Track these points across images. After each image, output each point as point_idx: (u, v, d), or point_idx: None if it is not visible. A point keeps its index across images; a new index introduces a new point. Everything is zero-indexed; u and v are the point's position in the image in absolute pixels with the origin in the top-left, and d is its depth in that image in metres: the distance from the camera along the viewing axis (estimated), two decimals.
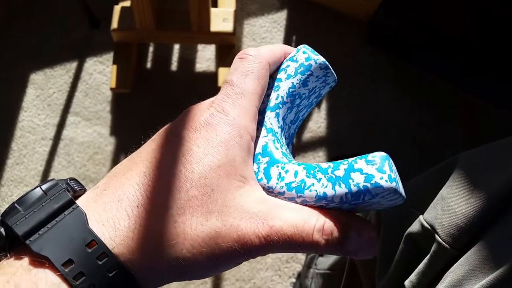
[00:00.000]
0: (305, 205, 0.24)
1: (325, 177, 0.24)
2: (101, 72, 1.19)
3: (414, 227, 0.43)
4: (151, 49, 1.22)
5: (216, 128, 0.24)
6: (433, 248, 0.40)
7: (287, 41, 1.23)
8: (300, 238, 0.23)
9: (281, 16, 1.26)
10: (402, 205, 0.50)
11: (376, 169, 0.23)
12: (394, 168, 0.24)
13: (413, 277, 0.41)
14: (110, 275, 0.21)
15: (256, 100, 0.26)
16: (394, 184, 0.22)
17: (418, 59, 1.20)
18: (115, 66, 1.11)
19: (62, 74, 1.19)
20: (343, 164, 0.24)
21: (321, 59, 0.28)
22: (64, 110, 1.16)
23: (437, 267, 0.39)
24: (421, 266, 0.40)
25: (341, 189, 0.23)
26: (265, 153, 0.26)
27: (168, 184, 0.23)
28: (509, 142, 0.43)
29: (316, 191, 0.24)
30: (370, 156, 0.23)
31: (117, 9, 1.07)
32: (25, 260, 0.21)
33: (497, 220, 0.37)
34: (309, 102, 0.30)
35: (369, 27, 1.21)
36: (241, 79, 0.26)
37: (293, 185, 0.25)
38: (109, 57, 1.20)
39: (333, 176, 0.24)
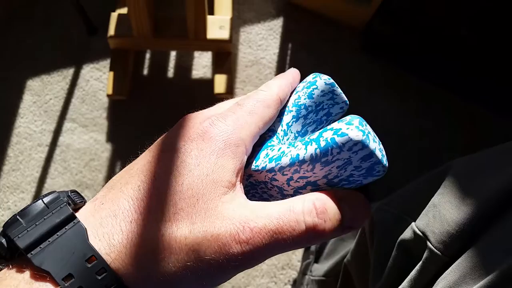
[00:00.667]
0: (284, 175, 0.24)
1: (301, 142, 0.24)
2: (97, 78, 1.19)
3: (407, 234, 0.44)
4: (147, 56, 1.23)
5: (213, 137, 0.24)
6: (425, 255, 0.40)
7: (282, 48, 1.24)
8: (290, 228, 0.22)
9: (277, 24, 1.27)
10: (395, 213, 0.50)
11: (345, 123, 0.23)
12: (368, 127, 0.23)
13: (405, 283, 0.41)
14: None
15: (260, 123, 0.26)
16: (360, 134, 0.22)
17: (414, 66, 1.21)
18: (111, 73, 1.12)
19: (59, 80, 1.19)
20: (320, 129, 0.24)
21: (326, 76, 0.29)
22: (61, 116, 1.16)
23: (429, 273, 0.40)
24: (413, 272, 0.41)
25: (311, 147, 0.23)
26: (261, 144, 0.27)
27: (160, 198, 0.23)
28: (501, 149, 0.43)
29: (291, 155, 0.24)
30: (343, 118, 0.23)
31: (114, 16, 1.08)
32: (27, 273, 0.22)
33: (488, 227, 0.37)
34: (318, 117, 0.30)
35: (365, 34, 1.22)
36: (251, 103, 0.26)
37: (274, 157, 0.25)
38: (106, 64, 1.21)
39: (308, 140, 0.24)
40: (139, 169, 0.25)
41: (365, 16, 1.17)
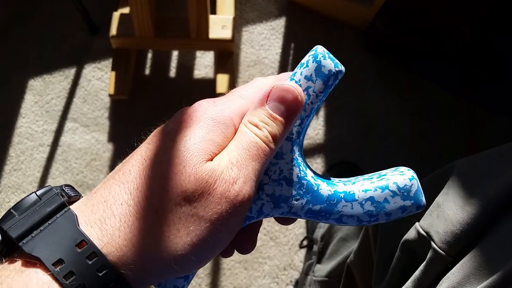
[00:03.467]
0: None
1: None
2: (99, 78, 1.19)
3: (410, 234, 0.43)
4: (149, 55, 1.23)
5: (201, 116, 0.25)
6: (429, 255, 0.40)
7: (285, 48, 1.24)
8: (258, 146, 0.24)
9: (279, 23, 1.26)
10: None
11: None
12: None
13: (409, 283, 0.41)
14: (100, 274, 0.22)
15: (250, 105, 0.26)
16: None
17: (416, 65, 1.21)
18: (113, 73, 1.12)
19: (60, 80, 1.19)
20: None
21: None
22: (62, 116, 1.16)
23: (433, 273, 0.39)
24: (417, 273, 0.41)
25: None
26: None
27: (147, 175, 0.24)
28: (504, 149, 0.43)
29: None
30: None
31: (116, 16, 1.08)
32: (19, 263, 0.22)
33: (492, 227, 0.37)
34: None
35: (367, 34, 1.21)
36: (244, 88, 0.27)
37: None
38: (107, 63, 1.21)
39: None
40: (131, 156, 0.26)
41: (368, 16, 1.17)
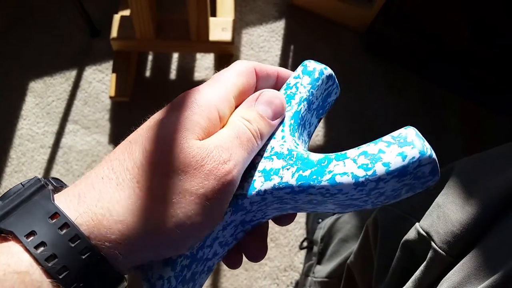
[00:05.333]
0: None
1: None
2: (100, 80, 1.20)
3: (411, 234, 0.44)
4: (150, 58, 1.23)
5: (185, 102, 0.26)
6: (429, 255, 0.40)
7: (285, 50, 1.24)
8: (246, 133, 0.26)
9: (279, 26, 1.27)
10: (398, 213, 0.50)
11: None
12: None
13: (409, 284, 0.41)
14: (73, 245, 0.22)
15: (230, 88, 0.28)
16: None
17: (416, 67, 1.21)
18: (114, 75, 1.12)
19: (61, 82, 1.19)
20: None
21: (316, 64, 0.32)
22: (63, 118, 1.16)
23: (433, 274, 0.40)
24: (417, 273, 0.41)
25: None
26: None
27: (129, 150, 0.24)
28: (504, 149, 0.43)
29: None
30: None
31: (116, 18, 1.08)
32: None
33: (492, 227, 0.38)
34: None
35: (367, 36, 1.22)
36: (224, 73, 0.29)
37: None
38: (108, 65, 1.21)
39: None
40: (122, 143, 0.26)
41: (367, 18, 1.17)
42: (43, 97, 1.18)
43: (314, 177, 0.25)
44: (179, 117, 0.25)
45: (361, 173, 0.23)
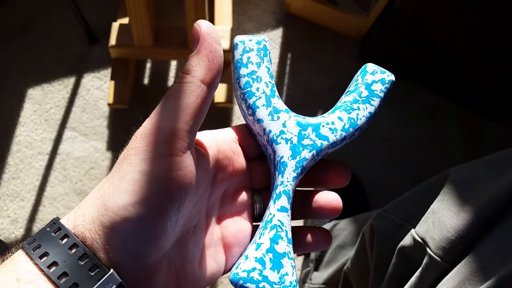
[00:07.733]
0: None
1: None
2: (98, 87, 1.20)
3: (406, 240, 0.44)
4: (148, 65, 1.24)
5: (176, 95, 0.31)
6: (424, 261, 0.40)
7: (282, 58, 1.25)
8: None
9: (276, 34, 1.28)
10: (394, 219, 0.50)
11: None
12: None
13: None
14: (63, 242, 0.26)
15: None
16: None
17: (412, 75, 1.22)
18: (112, 82, 1.12)
19: (59, 89, 1.20)
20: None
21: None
22: (61, 125, 1.16)
23: (429, 280, 0.40)
24: (413, 279, 0.41)
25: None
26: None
27: (122, 168, 0.30)
28: (498, 156, 0.44)
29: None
30: None
31: (115, 26, 1.09)
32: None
33: (486, 233, 0.38)
34: None
35: (363, 44, 1.23)
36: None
37: None
38: (106, 73, 1.21)
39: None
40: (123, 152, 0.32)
41: (364, 26, 1.19)
42: (41, 104, 1.18)
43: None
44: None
45: (349, 100, 0.38)
